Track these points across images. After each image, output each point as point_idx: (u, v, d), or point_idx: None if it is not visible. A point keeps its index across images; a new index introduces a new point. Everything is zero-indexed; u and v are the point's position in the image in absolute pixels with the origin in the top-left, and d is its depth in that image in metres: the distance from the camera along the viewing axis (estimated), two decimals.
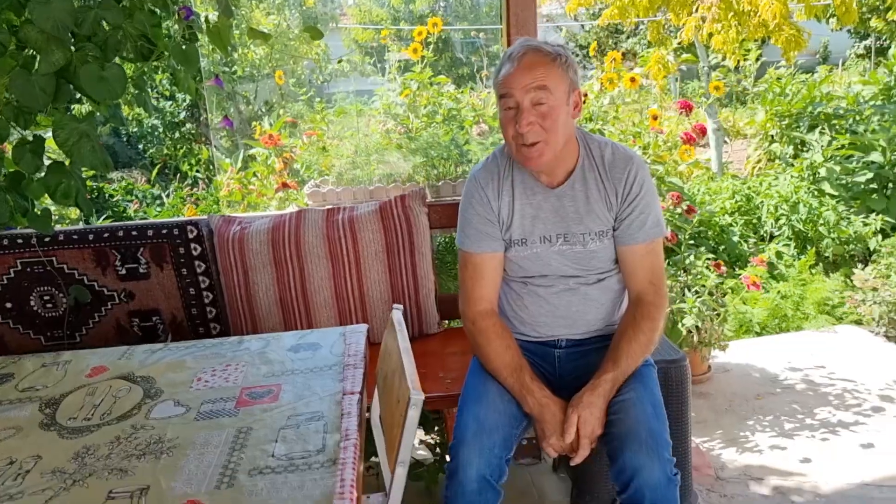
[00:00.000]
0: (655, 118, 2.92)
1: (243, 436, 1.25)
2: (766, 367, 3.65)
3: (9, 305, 2.22)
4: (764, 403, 3.26)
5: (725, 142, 9.78)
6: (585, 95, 3.04)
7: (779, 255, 4.74)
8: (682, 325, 2.91)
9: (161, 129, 6.51)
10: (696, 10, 5.68)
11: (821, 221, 4.81)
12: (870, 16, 11.30)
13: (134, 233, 2.24)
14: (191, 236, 2.23)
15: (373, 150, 2.59)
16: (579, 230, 1.75)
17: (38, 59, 1.97)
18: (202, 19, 2.20)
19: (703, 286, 3.03)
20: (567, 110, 1.68)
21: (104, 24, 2.03)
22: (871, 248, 4.76)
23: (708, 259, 3.23)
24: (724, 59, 7.39)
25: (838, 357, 3.70)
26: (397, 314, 1.49)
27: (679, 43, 5.97)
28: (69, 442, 1.27)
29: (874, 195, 5.42)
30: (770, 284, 4.50)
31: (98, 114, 2.28)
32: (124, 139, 7.02)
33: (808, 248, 4.84)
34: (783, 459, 2.72)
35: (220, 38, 2.11)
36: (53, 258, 2.20)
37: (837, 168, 5.31)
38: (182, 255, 2.23)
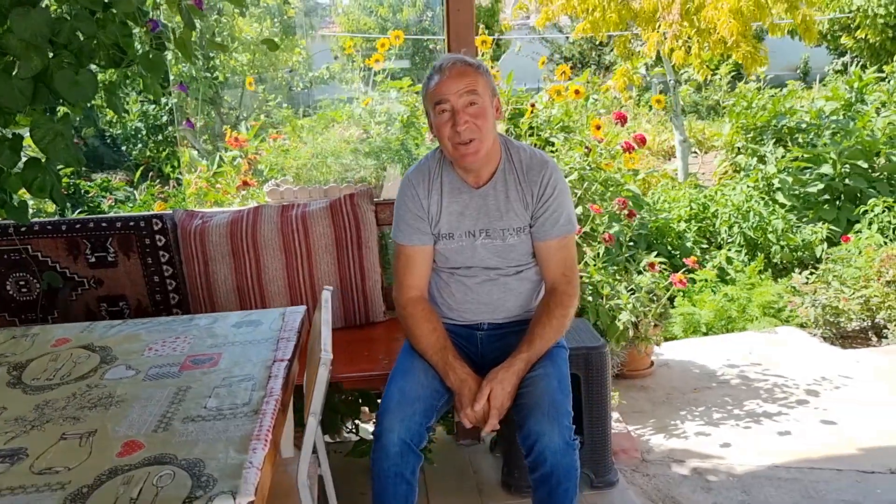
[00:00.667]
0: (598, 128, 3.14)
1: (182, 392, 1.46)
2: (706, 364, 3.88)
3: None
4: (699, 396, 3.49)
5: (695, 153, 10.07)
6: (533, 106, 3.26)
7: (729, 260, 4.98)
8: (619, 320, 3.13)
9: (144, 132, 6.71)
10: (659, 27, 5.93)
11: (770, 229, 5.06)
12: (840, 34, 11.63)
13: (104, 224, 2.44)
14: (156, 228, 2.43)
15: (329, 153, 2.81)
16: (500, 226, 1.96)
17: (17, 64, 2.16)
18: (170, 30, 2.41)
19: (640, 285, 3.25)
20: (492, 112, 1.90)
21: (79, 33, 2.23)
22: (818, 256, 5.00)
23: (662, 261, 3.46)
24: (695, 73, 7.68)
25: (774, 355, 3.94)
26: (326, 294, 1.70)
27: (642, 58, 6.21)
28: (31, 397, 1.47)
29: (826, 206, 5.69)
30: (719, 288, 4.74)
31: (74, 115, 2.49)
32: (109, 141, 7.22)
33: (759, 254, 5.09)
34: (705, 444, 2.95)
35: (185, 47, 2.32)
36: (29, 246, 2.40)
37: (790, 179, 5.57)
38: (147, 245, 2.43)
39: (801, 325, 4.39)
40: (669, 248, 5.16)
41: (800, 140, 6.82)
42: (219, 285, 2.44)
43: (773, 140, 6.85)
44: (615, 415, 3.07)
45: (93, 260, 2.42)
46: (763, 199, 5.49)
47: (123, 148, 6.76)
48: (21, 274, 2.42)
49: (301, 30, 7.00)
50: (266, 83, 6.67)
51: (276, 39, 7.06)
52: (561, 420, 1.78)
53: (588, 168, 3.08)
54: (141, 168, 6.69)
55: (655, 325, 3.57)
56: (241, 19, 6.52)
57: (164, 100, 6.22)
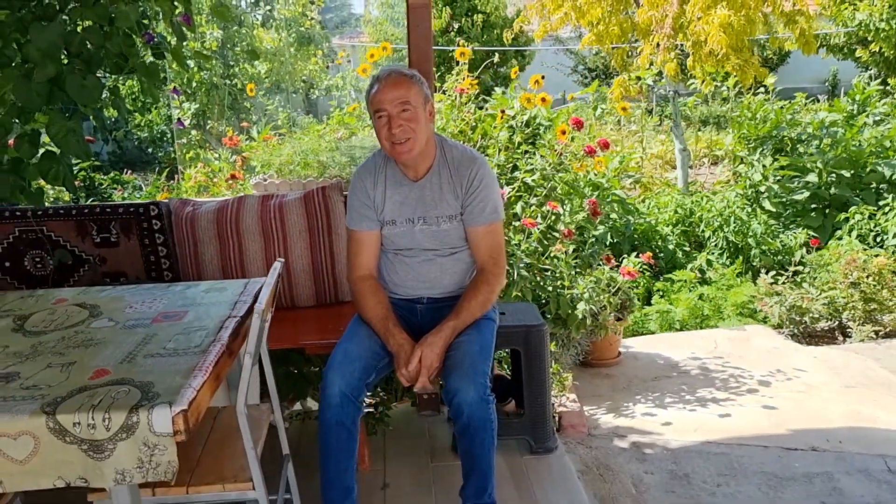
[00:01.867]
0: (564, 132, 3.43)
1: (149, 338, 1.79)
2: (671, 357, 4.14)
3: (7, 264, 2.79)
4: (657, 384, 3.75)
5: (713, 163, 10.24)
6: (503, 112, 3.57)
7: (709, 262, 5.21)
8: (577, 309, 3.41)
9: (169, 135, 7.15)
10: (653, 40, 6.18)
11: (750, 234, 5.27)
12: (857, 47, 11.70)
13: (108, 210, 2.80)
14: (153, 214, 2.78)
15: (308, 151, 3.14)
16: (434, 214, 2.27)
17: (35, 70, 2.53)
18: (167, 42, 2.77)
19: (598, 277, 3.52)
20: (425, 116, 2.21)
21: (88, 44, 2.60)
22: (797, 260, 5.20)
23: (638, 260, 3.73)
24: (701, 83, 7.89)
25: (738, 350, 4.18)
26: (276, 264, 2.02)
27: (648, 70, 6.46)
28: (29, 339, 1.82)
29: (813, 213, 5.88)
30: (697, 288, 4.97)
31: (85, 114, 2.85)
32: (137, 143, 7.69)
33: (739, 257, 5.31)
34: (649, 423, 3.22)
35: (179, 56, 2.68)
36: (44, 227, 2.76)
37: (776, 187, 5.77)
38: (145, 228, 2.78)
39: (772, 325, 4.62)
40: (655, 250, 5.40)
41: (800, 150, 7.01)
42: (206, 264, 2.77)
43: (773, 150, 7.05)
44: (571, 395, 3.35)
45: (98, 240, 2.78)
46: (748, 205, 5.71)
47: (150, 150, 7.22)
48: (36, 251, 2.78)
49: (317, 41, 7.39)
50: (283, 91, 7.10)
51: (292, 49, 7.48)
52: (477, 378, 2.07)
53: (549, 169, 3.37)
54: (167, 169, 7.13)
55: (619, 319, 3.84)
56: (262, 30, 6.94)
57: (187, 105, 6.65)
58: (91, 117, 2.93)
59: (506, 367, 3.24)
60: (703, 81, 7.83)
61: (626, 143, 10.03)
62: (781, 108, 7.46)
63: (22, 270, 2.81)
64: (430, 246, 2.30)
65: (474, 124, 3.70)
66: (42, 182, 2.85)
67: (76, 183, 4.16)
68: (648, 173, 7.81)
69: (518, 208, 3.49)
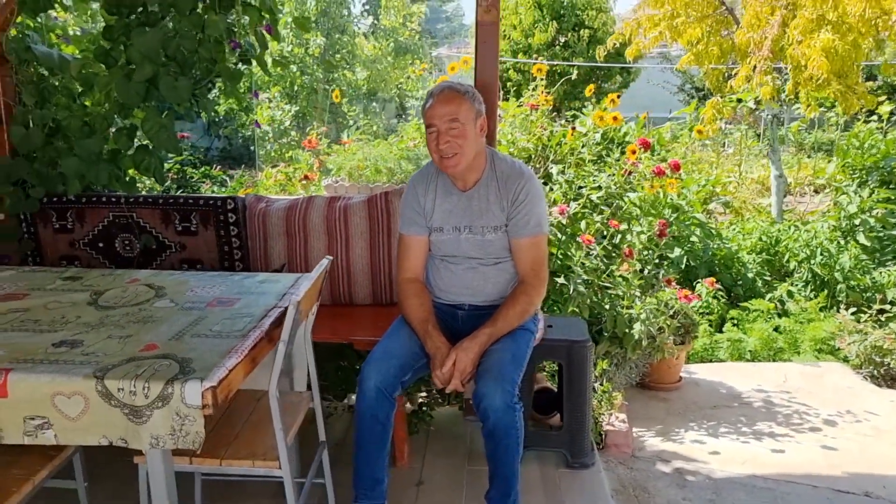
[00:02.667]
0: (634, 152, 3.43)
1: (200, 320, 1.96)
2: (735, 387, 4.03)
3: (101, 245, 3.08)
4: (715, 413, 3.67)
5: (816, 192, 9.80)
6: (574, 129, 3.61)
7: (790, 294, 5.02)
8: (633, 329, 3.39)
9: (270, 135, 7.56)
10: (750, 62, 6.02)
11: (837, 268, 5.05)
12: None
13: (190, 201, 3.04)
14: (229, 208, 3.00)
15: (379, 157, 3.29)
16: (480, 224, 2.36)
17: (135, 70, 2.79)
18: (255, 49, 2.98)
19: (659, 299, 3.49)
20: (475, 132, 2.30)
21: (183, 49, 2.84)
22: (889, 299, 4.94)
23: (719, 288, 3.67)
24: (805, 108, 7.60)
25: (808, 386, 4.02)
26: (324, 261, 2.16)
27: (731, 91, 6.30)
28: (99, 312, 2.03)
29: None
30: (773, 319, 4.81)
31: (183, 111, 3.11)
32: (241, 142, 8.16)
33: (825, 291, 5.09)
34: (696, 451, 3.17)
35: (262, 62, 2.89)
36: (134, 213, 3.03)
37: (872, 220, 5.50)
38: (221, 221, 3.01)
39: (852, 364, 4.41)
40: (734, 277, 5.26)
41: None
42: (274, 258, 2.97)
43: (879, 182, 6.69)
44: (621, 415, 3.34)
45: (179, 228, 3.02)
46: (840, 238, 5.46)
47: (252, 149, 7.66)
48: (126, 235, 3.05)
49: (413, 51, 7.61)
50: (377, 98, 7.34)
51: (390, 58, 7.73)
52: (505, 386, 2.14)
53: (614, 187, 3.38)
54: (264, 174, 7.54)
55: (681, 343, 3.79)
56: (362, 39, 7.21)
57: (287, 107, 7.00)
58: (202, 116, 3.20)
59: (554, 379, 3.27)
60: (807, 106, 7.54)
61: (725, 166, 9.76)
62: (891, 138, 7.08)
63: (112, 252, 3.09)
64: (474, 254, 2.39)
65: (548, 139, 3.75)
66: (135, 172, 3.14)
67: (170, 175, 4.50)
68: (741, 198, 7.57)
69: (582, 225, 3.51)
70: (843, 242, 5.43)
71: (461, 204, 2.38)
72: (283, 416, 1.89)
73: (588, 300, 3.36)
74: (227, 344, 1.79)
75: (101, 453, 2.60)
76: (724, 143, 10.95)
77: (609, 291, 3.49)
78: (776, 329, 4.70)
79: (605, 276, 3.49)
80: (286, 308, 2.05)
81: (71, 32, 3.47)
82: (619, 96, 3.69)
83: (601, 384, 3.33)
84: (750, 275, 5.19)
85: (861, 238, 5.52)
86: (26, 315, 2.01)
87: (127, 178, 3.07)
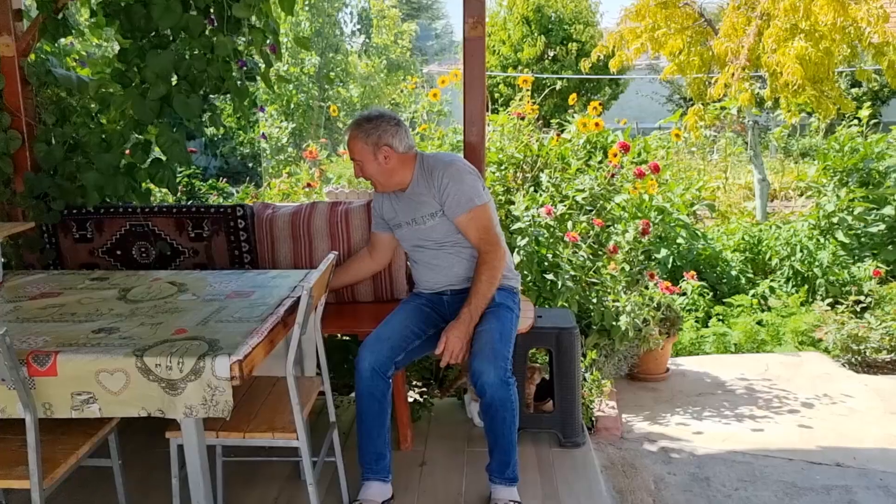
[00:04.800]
0: (616, 155, 3.67)
1: (222, 309, 2.18)
2: (720, 376, 4.25)
3: (119, 252, 3.29)
4: (700, 399, 3.89)
5: (805, 196, 10.05)
6: (559, 135, 3.85)
7: (772, 289, 5.25)
8: (619, 322, 3.61)
9: (268, 152, 7.81)
10: (728, 70, 6.29)
11: (816, 263, 5.28)
12: None
13: (202, 210, 3.25)
14: (238, 215, 3.21)
15: None
16: (420, 214, 2.63)
17: (149, 89, 3.02)
18: (259, 68, 3.22)
19: (642, 292, 3.71)
20: (375, 164, 2.59)
21: (193, 68, 3.07)
22: (865, 292, 5.17)
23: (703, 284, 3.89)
24: (786, 113, 7.86)
25: (788, 374, 4.25)
26: (330, 255, 2.38)
27: (711, 99, 6.56)
28: (129, 305, 2.24)
29: (890, 246, 5.81)
30: (757, 314, 5.04)
31: (191, 127, 3.34)
32: (239, 159, 8.41)
33: (805, 286, 5.32)
34: (681, 431, 3.38)
35: (267, 80, 3.12)
36: (149, 222, 3.24)
37: (849, 218, 5.74)
38: (231, 227, 3.22)
39: (832, 355, 4.63)
40: (718, 275, 5.49)
41: (888, 184, 6.88)
42: (281, 259, 3.18)
43: (859, 183, 6.95)
44: (611, 402, 3.56)
45: (192, 235, 3.24)
46: (819, 236, 5.70)
47: (251, 165, 7.91)
48: (142, 243, 3.26)
49: (405, 67, 7.87)
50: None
51: (382, 75, 8.00)
52: (497, 362, 2.35)
53: (597, 189, 3.61)
54: (269, 185, 7.78)
55: (667, 335, 4.01)
56: (355, 56, 7.47)
57: (285, 124, 7.26)
58: (202, 136, 3.42)
59: (544, 369, 3.48)
60: (788, 111, 7.82)
61: (713, 173, 10.02)
62: (870, 140, 7.34)
63: (130, 259, 3.30)
64: (427, 242, 2.66)
65: (538, 148, 3.99)
66: (150, 184, 3.36)
67: (180, 188, 4.73)
68: (727, 202, 7.82)
69: (569, 225, 3.74)
70: (821, 240, 5.67)
71: (404, 203, 2.68)
72: (297, 396, 2.10)
73: (577, 295, 3.58)
74: (248, 327, 2.01)
75: (133, 440, 2.81)
76: (713, 151, 11.23)
77: (596, 287, 3.71)
78: (759, 323, 4.92)
79: (592, 272, 3.72)
80: (299, 297, 2.27)
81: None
82: (601, 104, 3.93)
83: (591, 373, 3.54)
84: (733, 273, 5.43)
85: (840, 235, 5.76)
86: (63, 309, 2.22)
87: (143, 190, 3.29)
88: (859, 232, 5.81)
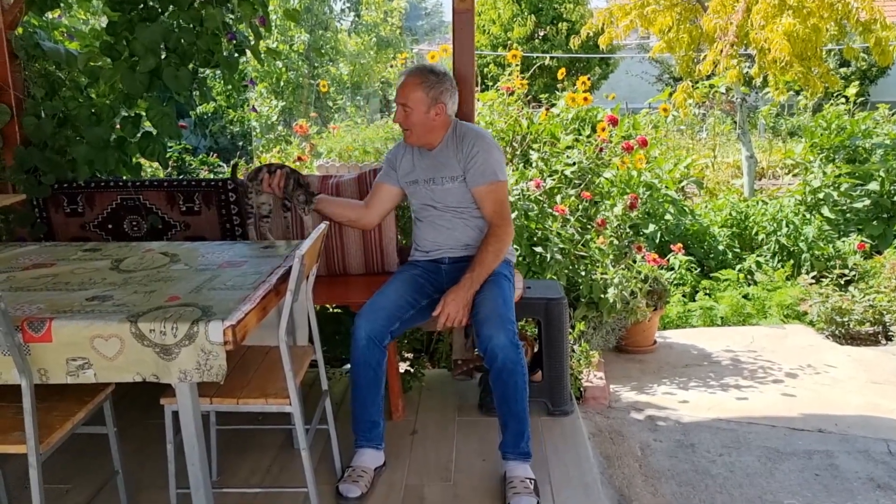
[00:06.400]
0: (604, 129, 3.70)
1: (214, 278, 2.20)
2: (706, 348, 4.32)
3: (110, 226, 3.30)
4: (686, 370, 3.96)
5: (795, 173, 10.13)
6: (547, 110, 3.87)
7: (758, 264, 5.31)
8: (607, 294, 3.66)
9: (258, 130, 7.79)
10: (717, 47, 6.31)
11: (802, 238, 5.35)
12: None
13: (193, 184, 3.27)
14: (229, 188, 3.23)
15: (366, 139, 3.55)
16: (440, 175, 2.67)
17: (139, 62, 3.01)
18: (248, 40, 3.22)
19: (629, 265, 3.76)
20: (424, 115, 2.61)
21: (183, 41, 3.06)
22: (850, 266, 5.24)
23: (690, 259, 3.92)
24: (775, 91, 7.89)
25: (772, 346, 4.32)
26: (322, 225, 2.41)
27: (700, 76, 6.59)
28: (122, 275, 2.26)
29: (875, 222, 5.88)
30: (743, 288, 5.10)
31: (181, 101, 3.33)
32: (230, 138, 8.39)
33: (791, 261, 5.39)
34: (667, 400, 3.45)
35: (256, 53, 3.13)
36: (140, 196, 3.25)
37: (835, 194, 5.81)
38: (222, 200, 3.24)
39: (817, 328, 4.70)
40: (705, 250, 5.55)
41: (873, 160, 6.95)
42: (272, 233, 3.20)
43: (846, 160, 7.01)
44: (599, 373, 3.61)
45: (184, 209, 3.25)
46: (805, 212, 5.76)
47: (241, 143, 7.89)
48: (133, 216, 3.28)
49: (395, 45, 7.85)
50: (362, 90, 7.58)
51: (372, 52, 7.97)
52: (506, 325, 2.40)
53: (586, 162, 3.65)
54: (258, 160, 7.75)
55: (655, 308, 4.07)
56: (345, 35, 7.45)
57: (274, 102, 7.24)
58: (190, 115, 3.42)
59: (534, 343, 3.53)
60: (776, 89, 7.85)
61: (702, 151, 10.07)
62: (856, 118, 7.40)
63: (121, 232, 3.31)
64: (438, 203, 2.69)
65: (528, 125, 4.01)
66: (141, 158, 3.36)
67: (170, 163, 4.73)
68: (715, 179, 7.87)
69: (558, 199, 3.77)
70: (807, 216, 5.73)
71: (427, 161, 2.71)
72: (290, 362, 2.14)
73: (565, 268, 3.63)
74: (241, 294, 2.03)
75: (128, 412, 2.84)
76: (702, 129, 11.27)
77: (584, 260, 3.75)
78: (745, 297, 4.99)
79: (580, 246, 3.76)
80: (290, 266, 2.30)
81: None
82: (590, 80, 3.94)
83: (580, 345, 3.59)
84: (720, 248, 5.49)
85: (825, 211, 5.82)
86: (57, 279, 2.24)
87: (133, 164, 3.29)
88: (844, 207, 5.88)
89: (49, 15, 3.55)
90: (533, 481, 2.40)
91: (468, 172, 2.63)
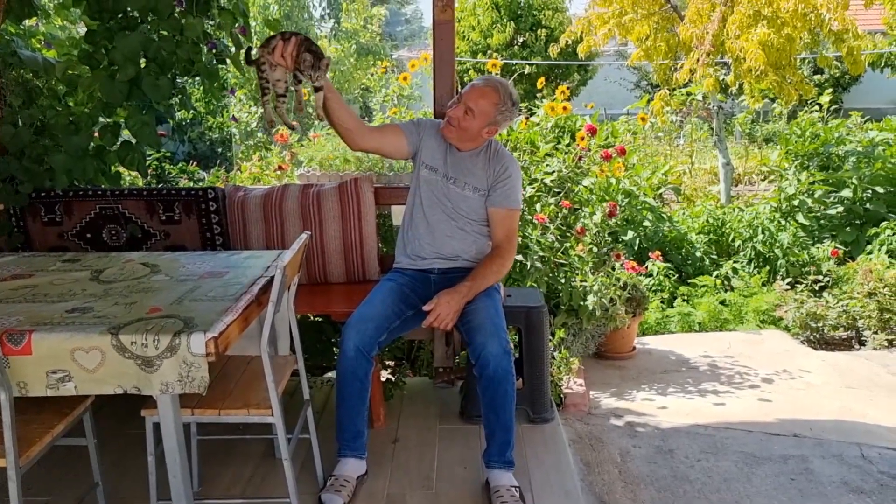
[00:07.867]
0: (583, 139, 3.74)
1: (196, 288, 2.20)
2: (684, 354, 4.37)
3: (89, 235, 3.28)
4: (665, 376, 4.00)
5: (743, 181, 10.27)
6: (527, 118, 3.90)
7: (735, 270, 5.39)
8: (586, 301, 3.69)
9: (237, 137, 7.73)
10: (693, 56, 6.40)
11: (777, 245, 5.44)
12: None
13: (173, 192, 3.26)
14: (210, 197, 3.23)
15: (344, 148, 3.55)
16: (465, 180, 2.68)
17: (118, 71, 3.00)
18: (228, 49, 3.22)
19: (609, 272, 3.80)
20: (478, 127, 2.62)
21: (163, 50, 3.06)
22: (824, 271, 5.33)
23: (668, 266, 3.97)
24: (750, 99, 8.00)
25: (749, 351, 4.38)
26: (303, 236, 2.41)
27: (675, 84, 6.68)
28: (102, 285, 2.25)
29: (848, 228, 5.98)
30: (720, 294, 5.17)
31: (161, 110, 3.32)
32: (209, 144, 8.33)
33: (767, 267, 5.47)
34: (646, 406, 3.48)
35: (237, 62, 3.13)
36: (119, 205, 3.24)
37: (809, 201, 5.91)
38: (203, 210, 3.23)
39: (792, 333, 4.78)
40: (682, 256, 5.62)
41: (846, 168, 7.07)
42: (253, 242, 3.20)
43: (819, 167, 7.13)
44: (578, 380, 3.64)
45: (164, 218, 3.24)
46: (780, 218, 5.85)
47: (220, 150, 7.84)
48: (112, 226, 3.26)
49: (375, 52, 7.85)
50: (342, 97, 7.56)
51: (352, 59, 7.97)
52: (499, 334, 2.42)
53: (565, 171, 3.68)
54: (239, 167, 7.71)
55: (634, 315, 4.11)
56: (325, 41, 7.44)
57: (254, 108, 7.21)
58: (169, 121, 3.41)
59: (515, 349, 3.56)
60: (752, 97, 7.97)
61: (679, 158, 10.18)
62: (829, 125, 7.54)
63: (100, 241, 3.29)
64: (449, 204, 2.69)
65: (506, 130, 4.03)
66: (119, 167, 3.34)
67: (150, 171, 4.70)
68: (692, 186, 7.97)
69: (538, 207, 3.81)
70: (783, 222, 5.82)
71: (455, 159, 2.71)
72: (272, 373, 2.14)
73: (545, 276, 3.66)
74: (223, 305, 2.03)
75: (107, 423, 2.82)
76: (679, 136, 11.40)
77: (564, 268, 3.79)
78: (722, 303, 5.06)
79: (560, 254, 3.79)
80: (272, 277, 2.30)
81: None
82: (570, 89, 3.99)
83: (559, 352, 3.62)
84: (698, 254, 5.56)
85: (800, 218, 5.92)
86: (36, 290, 2.22)
87: (112, 173, 3.28)
88: (818, 214, 5.98)
89: (26, 23, 3.53)
90: (518, 489, 2.42)
91: (494, 191, 2.67)
